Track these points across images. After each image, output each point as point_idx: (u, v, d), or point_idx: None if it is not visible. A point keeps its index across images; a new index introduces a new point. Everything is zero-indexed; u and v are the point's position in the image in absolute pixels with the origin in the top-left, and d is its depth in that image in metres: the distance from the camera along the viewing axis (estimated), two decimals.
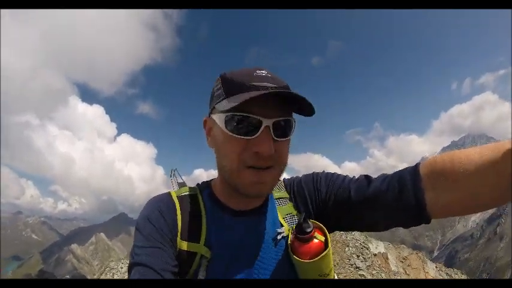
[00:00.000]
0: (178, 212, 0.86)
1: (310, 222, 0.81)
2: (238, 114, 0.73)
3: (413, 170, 0.76)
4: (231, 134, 0.74)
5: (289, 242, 0.85)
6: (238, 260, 0.84)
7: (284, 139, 0.78)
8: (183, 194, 0.91)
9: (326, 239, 0.81)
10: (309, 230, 0.78)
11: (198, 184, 0.98)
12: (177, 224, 0.84)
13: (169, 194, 0.91)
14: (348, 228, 0.91)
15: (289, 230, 0.88)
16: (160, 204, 0.87)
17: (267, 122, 0.73)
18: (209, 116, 0.86)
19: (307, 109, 0.76)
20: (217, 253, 0.83)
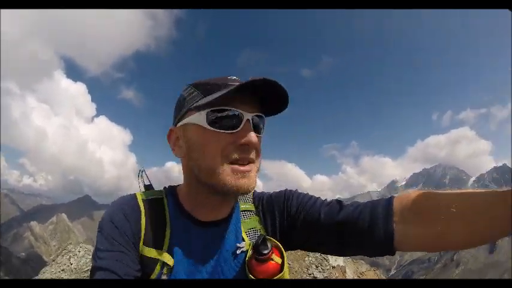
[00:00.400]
0: (143, 216, 0.85)
1: (269, 243, 0.81)
2: (220, 109, 0.75)
3: (387, 204, 0.77)
4: (214, 129, 0.75)
5: (246, 259, 0.85)
6: (198, 270, 0.85)
7: (259, 135, 0.81)
8: (149, 198, 0.90)
9: (283, 262, 0.81)
10: (265, 252, 0.79)
11: (164, 188, 0.97)
12: (140, 229, 0.83)
13: (135, 196, 0.89)
14: (312, 249, 0.91)
15: (249, 245, 0.87)
16: (125, 207, 0.85)
17: (247, 116, 0.76)
18: (175, 125, 0.86)
19: (281, 102, 0.80)
20: (179, 262, 0.83)
